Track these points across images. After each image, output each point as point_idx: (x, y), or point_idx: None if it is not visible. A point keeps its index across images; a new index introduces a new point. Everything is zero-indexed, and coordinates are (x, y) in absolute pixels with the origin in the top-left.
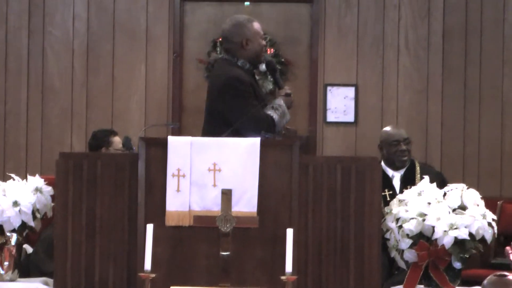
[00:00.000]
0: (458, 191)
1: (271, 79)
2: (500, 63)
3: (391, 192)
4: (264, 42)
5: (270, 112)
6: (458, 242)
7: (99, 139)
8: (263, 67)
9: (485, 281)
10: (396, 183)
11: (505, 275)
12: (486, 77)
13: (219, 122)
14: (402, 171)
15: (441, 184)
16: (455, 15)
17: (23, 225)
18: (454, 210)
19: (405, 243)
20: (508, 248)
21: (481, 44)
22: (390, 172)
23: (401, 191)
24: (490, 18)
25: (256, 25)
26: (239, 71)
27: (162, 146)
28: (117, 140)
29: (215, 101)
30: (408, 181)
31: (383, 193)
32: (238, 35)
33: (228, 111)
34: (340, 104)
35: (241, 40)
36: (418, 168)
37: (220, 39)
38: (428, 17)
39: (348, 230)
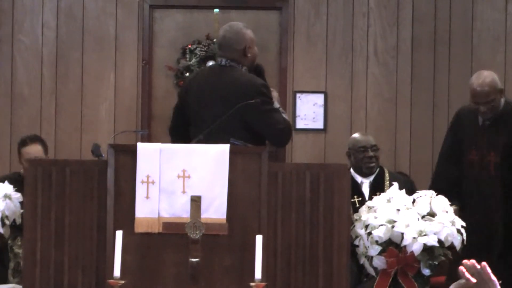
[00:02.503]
0: (427, 198)
1: None
2: (468, 72)
3: (360, 199)
4: (257, 50)
5: (284, 116)
6: (427, 249)
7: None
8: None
9: (451, 287)
10: (365, 189)
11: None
12: (455, 86)
13: (239, 130)
14: (371, 178)
15: (410, 191)
16: (424, 24)
17: None
18: (423, 217)
19: (374, 250)
20: (461, 267)
21: (449, 52)
22: (359, 178)
23: (370, 198)
24: (459, 27)
25: (251, 32)
26: (259, 78)
27: (131, 153)
28: (25, 152)
29: (241, 108)
30: (377, 188)
31: (352, 200)
32: (241, 42)
33: (258, 118)
34: (309, 111)
35: (243, 47)
36: (387, 175)
37: (219, 46)
38: (397, 26)
39: (317, 237)
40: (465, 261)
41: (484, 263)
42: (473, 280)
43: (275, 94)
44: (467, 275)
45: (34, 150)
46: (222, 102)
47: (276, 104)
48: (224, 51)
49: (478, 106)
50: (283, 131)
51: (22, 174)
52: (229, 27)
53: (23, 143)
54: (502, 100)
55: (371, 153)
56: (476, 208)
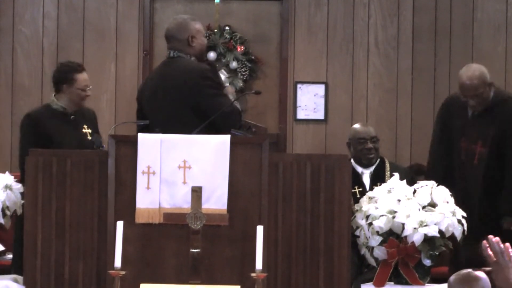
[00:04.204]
0: (427, 189)
1: (241, 77)
2: (469, 62)
3: (360, 189)
4: (206, 41)
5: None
6: (427, 239)
7: (62, 74)
8: (211, 55)
9: (451, 278)
10: (366, 180)
11: (471, 272)
12: (455, 76)
13: (192, 118)
14: (371, 169)
15: (411, 182)
16: (424, 15)
17: None
18: (423, 207)
19: (375, 240)
20: (485, 242)
21: (450, 43)
22: (359, 169)
23: (370, 189)
24: (460, 18)
25: (198, 23)
26: (205, 65)
27: (132, 143)
28: (81, 78)
29: (189, 95)
30: (378, 179)
31: (352, 190)
32: (183, 32)
33: (206, 103)
34: (310, 101)
35: (187, 37)
36: (387, 166)
37: (166, 38)
38: (397, 16)
39: (318, 228)
40: (490, 236)
41: (507, 244)
42: (493, 258)
43: (230, 89)
44: (489, 251)
45: (86, 78)
46: (172, 91)
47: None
48: (170, 43)
49: (468, 100)
50: (229, 114)
51: (64, 108)
52: (173, 19)
53: (77, 69)
54: (492, 92)
55: (370, 145)
56: (459, 197)
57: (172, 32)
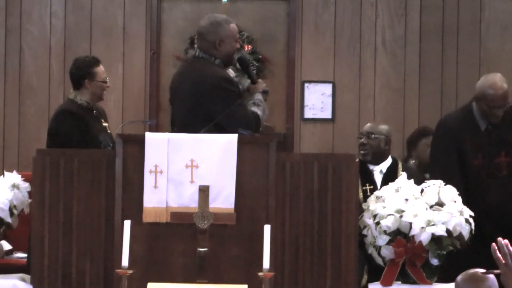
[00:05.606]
0: (435, 188)
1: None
2: (476, 62)
3: (372, 187)
4: (238, 45)
5: (254, 109)
6: (435, 238)
7: (82, 70)
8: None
9: (458, 278)
10: (377, 177)
11: (478, 271)
12: (463, 76)
13: (204, 124)
14: (382, 166)
15: (422, 183)
16: (432, 14)
17: (0, 221)
18: (431, 206)
19: (383, 240)
20: (494, 245)
21: (457, 43)
22: (370, 166)
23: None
24: (467, 18)
25: (233, 27)
26: (224, 71)
27: (139, 142)
28: (101, 70)
29: (203, 102)
30: (390, 179)
31: (364, 188)
32: (213, 34)
33: (217, 112)
34: (317, 101)
35: (214, 40)
36: (400, 166)
37: (196, 35)
38: (405, 16)
39: (325, 227)
40: (499, 239)
41: None
42: (502, 260)
43: (261, 85)
44: (498, 254)
45: (103, 69)
46: (186, 96)
47: (258, 96)
48: (199, 41)
49: (496, 111)
50: (239, 124)
51: (88, 103)
52: (208, 18)
53: (95, 62)
54: None
55: (362, 140)
56: (487, 212)
57: (202, 31)
